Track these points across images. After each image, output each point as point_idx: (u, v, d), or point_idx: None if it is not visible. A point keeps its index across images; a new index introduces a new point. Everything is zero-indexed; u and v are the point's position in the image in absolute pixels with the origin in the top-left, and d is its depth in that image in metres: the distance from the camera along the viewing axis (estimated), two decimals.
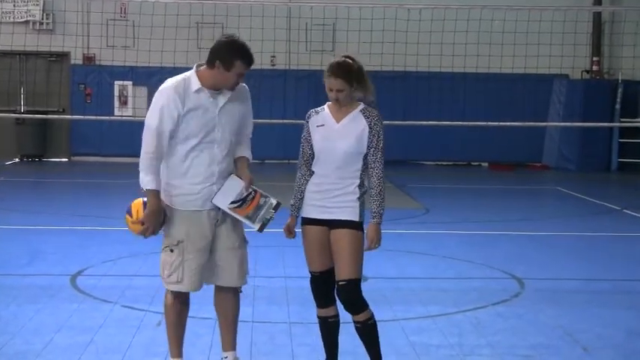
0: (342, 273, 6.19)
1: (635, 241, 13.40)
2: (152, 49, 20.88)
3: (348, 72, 6.16)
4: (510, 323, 8.24)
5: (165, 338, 6.50)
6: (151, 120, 6.05)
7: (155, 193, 6.02)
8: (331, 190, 6.21)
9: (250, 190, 6.12)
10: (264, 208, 6.13)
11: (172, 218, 6.14)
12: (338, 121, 6.22)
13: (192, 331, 6.69)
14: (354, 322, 6.31)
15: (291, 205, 6.35)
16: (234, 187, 6.11)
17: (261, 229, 6.14)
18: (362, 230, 6.22)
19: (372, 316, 6.31)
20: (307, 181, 6.30)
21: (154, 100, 6.09)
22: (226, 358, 6.42)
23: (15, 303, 8.58)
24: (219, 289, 6.35)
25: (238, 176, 6.14)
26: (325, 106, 6.34)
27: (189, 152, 6.05)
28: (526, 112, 23.86)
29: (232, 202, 6.08)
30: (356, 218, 6.20)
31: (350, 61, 6.21)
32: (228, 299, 6.36)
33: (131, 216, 6.14)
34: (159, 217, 6.05)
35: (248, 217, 6.11)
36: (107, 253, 11.15)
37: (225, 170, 6.13)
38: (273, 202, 6.16)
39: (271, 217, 6.13)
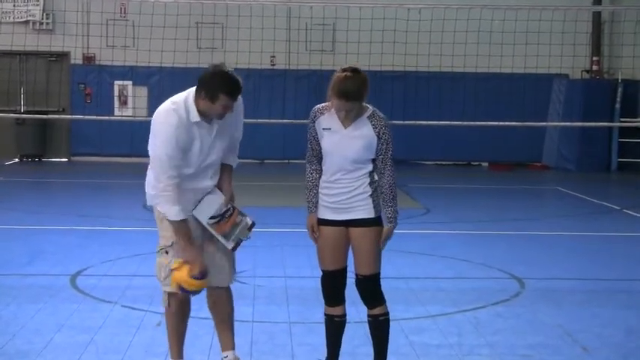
0: (362, 269, 6.27)
1: (634, 240, 13.41)
2: (152, 48, 20.88)
3: (359, 94, 6.08)
4: (510, 323, 8.25)
5: (165, 338, 6.51)
6: (159, 151, 5.92)
7: (184, 224, 5.99)
8: (343, 193, 6.22)
9: (229, 206, 6.18)
10: (240, 227, 6.19)
11: (164, 221, 6.13)
12: (345, 126, 6.19)
13: (192, 332, 6.69)
14: (368, 315, 6.37)
15: (308, 202, 6.32)
16: (214, 201, 6.16)
17: (234, 249, 6.21)
18: (380, 225, 6.30)
19: (386, 313, 6.37)
20: (319, 175, 6.29)
21: (158, 127, 5.95)
22: (226, 357, 6.43)
23: (15, 303, 8.59)
24: (212, 290, 6.36)
25: (220, 189, 6.19)
26: (330, 104, 6.29)
27: (184, 177, 6.02)
28: (526, 112, 23.85)
29: (211, 218, 6.14)
30: (372, 215, 6.25)
31: (357, 75, 6.08)
32: (222, 299, 6.38)
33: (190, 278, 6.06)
34: (199, 250, 6.06)
35: (224, 235, 6.15)
36: (107, 253, 11.16)
37: (212, 183, 6.18)
38: (249, 221, 6.22)
39: (246, 237, 6.20)
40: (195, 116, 5.97)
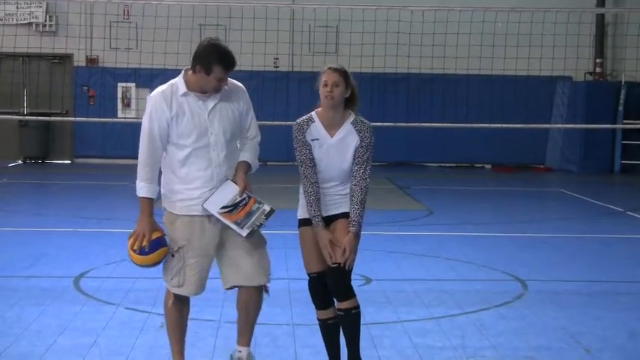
0: (337, 256, 6.23)
1: (637, 242, 13.40)
2: (155, 50, 20.92)
3: (346, 74, 6.24)
4: (513, 325, 8.24)
5: (167, 340, 6.50)
6: (143, 126, 6.09)
7: (146, 201, 6.07)
8: (329, 194, 6.32)
9: (244, 195, 6.07)
10: (256, 215, 6.07)
11: (174, 223, 6.15)
12: (332, 134, 6.25)
13: (195, 333, 6.69)
14: (338, 309, 6.32)
15: (314, 217, 6.26)
16: (228, 192, 6.06)
17: (249, 236, 6.07)
18: None
19: (357, 306, 6.32)
20: (319, 188, 6.28)
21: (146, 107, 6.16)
22: (240, 352, 6.43)
23: (18, 305, 8.59)
24: (240, 288, 6.33)
25: (234, 181, 6.11)
26: (314, 116, 6.33)
27: (186, 157, 6.07)
28: (529, 114, 23.86)
29: (223, 207, 6.03)
30: None
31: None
32: (249, 297, 6.32)
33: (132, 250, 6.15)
34: (148, 225, 6.06)
35: (237, 223, 6.03)
36: (110, 255, 11.14)
37: (224, 174, 6.11)
38: (267, 208, 6.10)
39: (261, 223, 6.08)
40: (182, 89, 6.06)
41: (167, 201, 6.19)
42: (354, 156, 6.25)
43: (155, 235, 6.07)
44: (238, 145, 6.29)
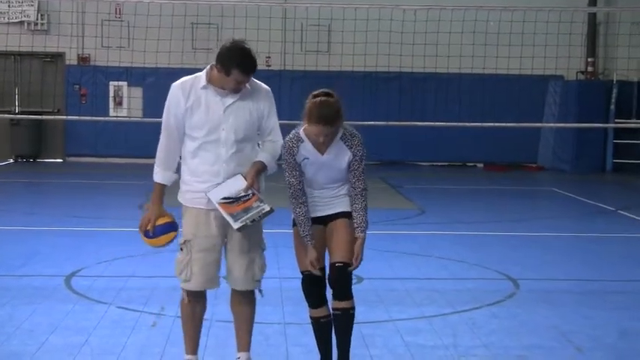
0: (339, 256, 6.27)
1: (629, 241, 13.42)
2: (147, 49, 20.89)
3: (337, 117, 6.10)
4: (505, 324, 8.25)
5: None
6: (163, 115, 6.23)
7: (158, 187, 6.23)
8: (325, 196, 6.35)
9: (250, 192, 6.09)
10: (253, 211, 6.08)
11: (184, 216, 6.26)
12: (322, 152, 6.22)
13: None
14: (335, 309, 6.33)
15: (305, 236, 6.29)
16: (234, 185, 6.09)
17: (239, 229, 6.08)
18: None
19: (354, 307, 6.36)
20: (307, 208, 6.29)
21: None
22: (239, 358, 6.48)
23: (10, 304, 8.58)
24: (232, 290, 6.41)
25: (244, 177, 6.13)
26: (302, 135, 6.24)
27: (196, 150, 6.15)
28: (521, 113, 23.85)
29: (224, 198, 6.06)
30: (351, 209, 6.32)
31: (331, 99, 6.13)
32: (239, 301, 6.42)
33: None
34: (154, 211, 6.22)
35: (232, 215, 6.05)
36: (102, 254, 11.14)
37: (233, 171, 6.13)
38: (266, 208, 6.11)
39: (255, 220, 6.09)
40: (203, 81, 6.12)
41: (180, 191, 6.29)
42: (350, 169, 6.24)
43: (161, 221, 6.24)
44: (260, 146, 6.30)
